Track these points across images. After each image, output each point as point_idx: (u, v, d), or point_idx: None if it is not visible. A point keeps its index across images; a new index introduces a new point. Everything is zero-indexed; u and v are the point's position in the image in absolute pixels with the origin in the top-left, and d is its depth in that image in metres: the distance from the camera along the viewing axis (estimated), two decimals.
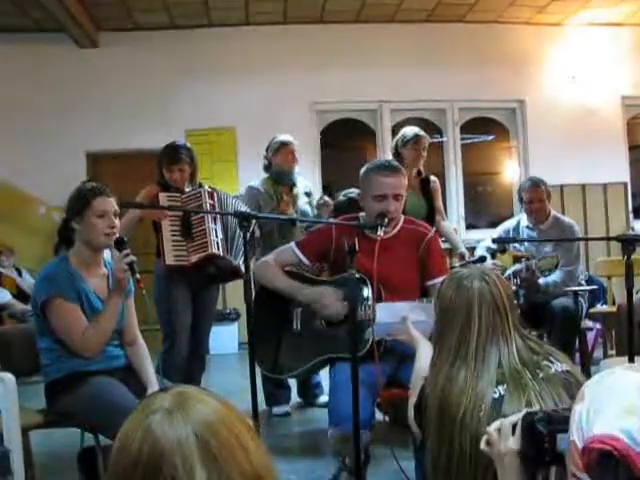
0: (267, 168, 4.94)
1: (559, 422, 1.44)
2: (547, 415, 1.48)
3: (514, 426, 1.53)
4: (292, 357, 3.35)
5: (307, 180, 5.37)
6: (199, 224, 4.24)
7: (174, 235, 4.26)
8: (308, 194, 4.96)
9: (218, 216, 4.28)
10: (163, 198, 4.28)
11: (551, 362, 1.94)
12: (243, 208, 4.48)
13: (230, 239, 4.33)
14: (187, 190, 4.37)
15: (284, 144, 4.88)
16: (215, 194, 4.35)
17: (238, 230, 4.20)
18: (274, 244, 4.16)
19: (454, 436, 1.84)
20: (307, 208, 4.87)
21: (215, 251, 4.21)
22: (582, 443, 1.16)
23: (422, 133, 4.87)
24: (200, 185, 4.49)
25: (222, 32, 8.02)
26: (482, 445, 1.60)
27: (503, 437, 1.54)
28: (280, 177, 4.87)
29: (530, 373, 1.89)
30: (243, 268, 3.02)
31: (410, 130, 4.90)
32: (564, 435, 1.39)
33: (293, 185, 4.89)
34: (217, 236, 4.26)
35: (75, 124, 7.73)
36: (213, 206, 4.29)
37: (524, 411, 1.55)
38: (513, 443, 1.51)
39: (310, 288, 3.28)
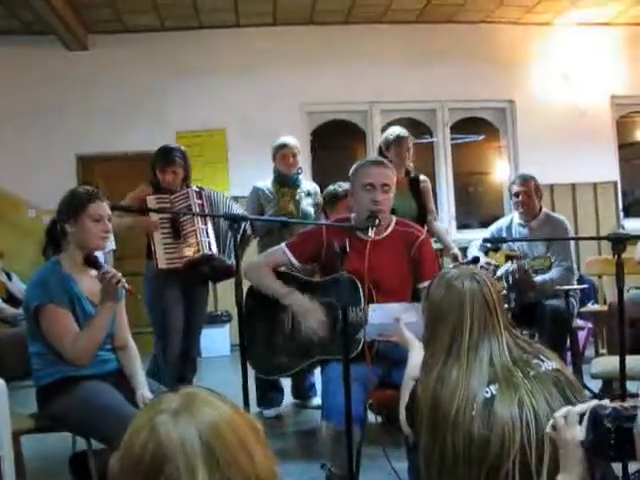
0: (274, 169, 4.96)
1: (628, 419, 1.44)
2: (616, 411, 1.47)
3: (582, 415, 1.53)
4: (284, 358, 3.34)
5: (312, 183, 5.36)
6: (189, 225, 4.23)
7: (165, 238, 4.25)
8: (309, 194, 4.94)
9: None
10: (151, 201, 4.27)
11: (541, 360, 1.96)
12: (234, 206, 4.48)
13: (222, 238, 4.32)
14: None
15: (281, 147, 4.88)
16: (203, 193, 4.35)
17: (228, 229, 4.22)
18: (273, 243, 4.12)
19: (446, 435, 1.85)
20: (310, 209, 4.86)
21: (207, 252, 4.21)
22: None
23: (404, 134, 4.84)
24: (188, 186, 4.47)
25: (212, 34, 8.01)
26: (547, 429, 1.61)
27: (570, 425, 1.54)
28: (281, 179, 4.87)
29: (521, 371, 1.90)
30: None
31: (392, 131, 4.89)
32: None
33: (296, 187, 4.88)
34: (208, 236, 4.25)
35: (65, 127, 7.71)
36: (202, 206, 4.29)
37: (593, 401, 1.55)
38: (579, 433, 1.52)
39: (298, 298, 3.25)
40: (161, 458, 0.98)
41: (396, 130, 4.90)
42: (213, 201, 4.41)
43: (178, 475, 0.97)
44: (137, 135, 7.47)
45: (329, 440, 2.84)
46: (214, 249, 4.27)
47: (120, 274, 2.92)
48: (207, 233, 4.26)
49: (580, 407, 1.56)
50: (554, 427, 1.58)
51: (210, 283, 4.80)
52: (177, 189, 4.38)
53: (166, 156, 4.40)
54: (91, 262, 2.99)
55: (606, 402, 1.55)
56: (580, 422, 1.53)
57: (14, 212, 7.51)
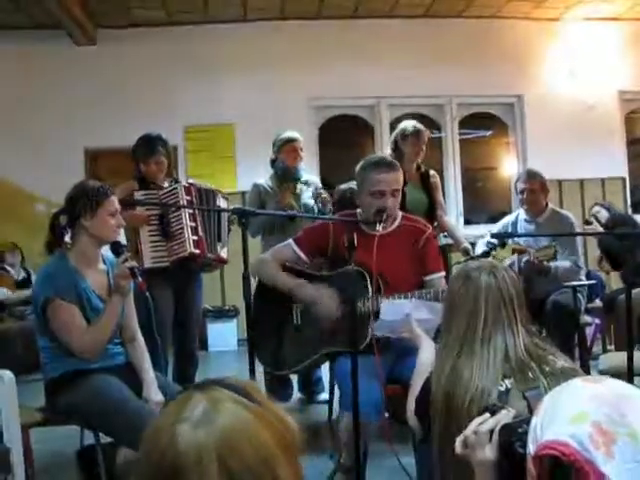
0: (272, 164, 4.93)
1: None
2: (525, 434, 1.30)
3: (491, 432, 1.47)
4: (293, 352, 3.36)
5: (312, 175, 5.33)
6: (177, 222, 4.16)
7: (152, 235, 4.19)
8: (307, 183, 4.90)
9: (197, 211, 4.21)
10: (139, 197, 4.21)
11: (556, 358, 1.97)
12: (221, 202, 4.42)
13: (209, 230, 4.27)
14: (165, 185, 4.30)
15: (287, 141, 4.85)
16: (193, 188, 4.26)
17: (212, 221, 4.25)
18: (277, 240, 4.07)
19: (461, 427, 1.85)
20: (311, 202, 4.84)
21: (193, 250, 4.13)
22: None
23: (422, 127, 4.85)
24: (176, 181, 4.40)
25: (220, 28, 8.02)
26: (458, 448, 1.53)
27: (479, 443, 1.48)
28: (284, 173, 4.84)
29: (537, 367, 1.92)
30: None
31: (410, 124, 4.87)
32: None
33: (297, 181, 4.86)
34: (195, 233, 4.17)
35: (74, 121, 7.73)
36: (191, 202, 4.20)
37: (503, 412, 1.50)
38: (490, 452, 1.46)
39: (309, 287, 3.27)
40: (178, 469, 0.96)
41: (413, 122, 4.91)
42: (203, 196, 4.33)
43: None
44: (145, 129, 7.28)
45: (347, 430, 2.83)
46: (205, 246, 4.21)
47: (136, 263, 2.98)
48: (195, 230, 4.17)
49: (487, 425, 1.49)
50: (465, 445, 1.51)
51: (211, 278, 4.73)
52: (162, 182, 4.33)
53: (148, 146, 4.34)
54: (116, 248, 3.03)
55: (511, 413, 1.48)
56: (490, 439, 1.45)
57: (24, 206, 7.53)
